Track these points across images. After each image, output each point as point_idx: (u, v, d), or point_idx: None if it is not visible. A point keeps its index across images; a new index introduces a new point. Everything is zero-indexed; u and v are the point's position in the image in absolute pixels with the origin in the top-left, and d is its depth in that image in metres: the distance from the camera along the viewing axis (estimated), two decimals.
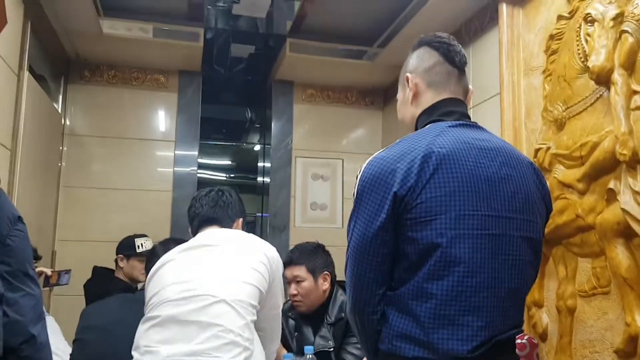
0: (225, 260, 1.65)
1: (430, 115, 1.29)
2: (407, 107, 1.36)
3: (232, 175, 6.30)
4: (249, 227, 6.01)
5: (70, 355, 1.88)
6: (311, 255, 2.36)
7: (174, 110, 3.94)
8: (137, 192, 3.83)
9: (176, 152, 3.92)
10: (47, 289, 2.52)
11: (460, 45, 1.36)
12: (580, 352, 1.98)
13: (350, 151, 4.23)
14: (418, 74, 1.33)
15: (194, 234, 1.84)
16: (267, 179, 4.23)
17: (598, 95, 1.93)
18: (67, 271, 2.60)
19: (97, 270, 3.08)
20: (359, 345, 2.17)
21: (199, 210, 1.84)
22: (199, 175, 4.03)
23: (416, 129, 1.31)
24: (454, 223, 1.11)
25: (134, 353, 1.55)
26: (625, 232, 1.78)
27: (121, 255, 3.02)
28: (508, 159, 1.22)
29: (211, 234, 1.78)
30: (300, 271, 2.31)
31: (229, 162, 6.26)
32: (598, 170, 1.90)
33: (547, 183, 1.32)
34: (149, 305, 1.60)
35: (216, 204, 1.84)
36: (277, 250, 1.77)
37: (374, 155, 1.21)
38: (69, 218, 3.69)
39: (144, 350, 1.51)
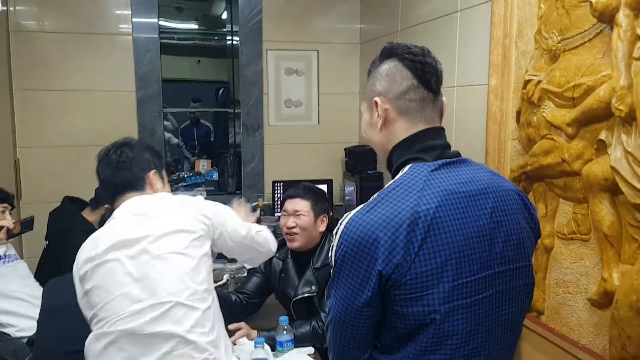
0: (165, 251, 1.55)
1: (408, 150, 1.13)
2: (375, 132, 1.19)
3: (197, 40, 6.08)
4: (221, 122, 5.80)
5: (36, 333, 1.85)
6: (317, 196, 2.39)
7: None
8: (98, 93, 3.58)
9: (134, 19, 3.57)
10: (13, 240, 2.41)
11: (437, 59, 1.16)
12: (554, 289, 2.01)
13: (326, 41, 3.91)
14: (388, 100, 1.14)
15: (112, 202, 1.70)
16: (236, 39, 3.92)
17: (598, 31, 1.73)
18: (30, 218, 2.49)
19: (65, 202, 2.96)
20: None
21: (103, 177, 1.70)
22: (162, 41, 3.73)
23: (389, 162, 1.17)
24: (448, 296, 1.01)
25: None
26: (612, 188, 1.69)
27: (108, 206, 2.84)
28: (498, 201, 1.10)
29: (142, 220, 1.60)
30: (303, 206, 2.33)
31: (195, 27, 5.99)
32: (590, 117, 1.76)
33: (536, 212, 1.22)
34: (97, 318, 1.50)
35: (117, 167, 1.68)
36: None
37: (352, 215, 1.06)
38: (28, 123, 3.49)
39: None
